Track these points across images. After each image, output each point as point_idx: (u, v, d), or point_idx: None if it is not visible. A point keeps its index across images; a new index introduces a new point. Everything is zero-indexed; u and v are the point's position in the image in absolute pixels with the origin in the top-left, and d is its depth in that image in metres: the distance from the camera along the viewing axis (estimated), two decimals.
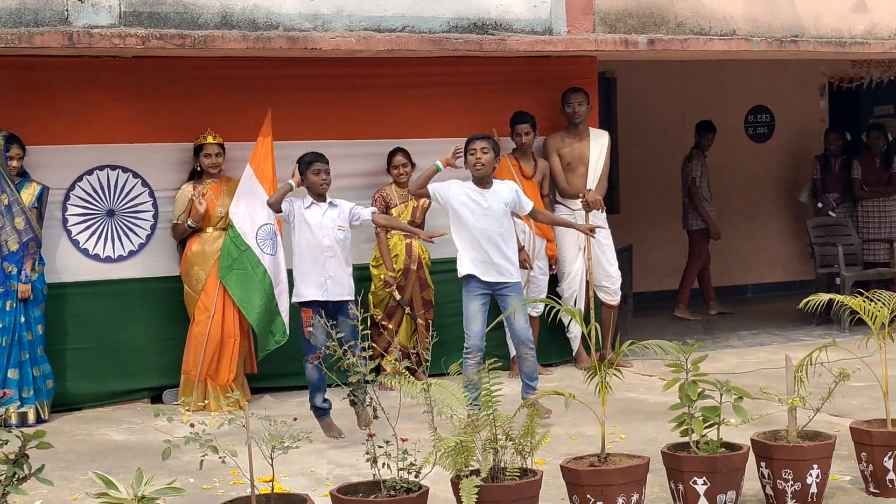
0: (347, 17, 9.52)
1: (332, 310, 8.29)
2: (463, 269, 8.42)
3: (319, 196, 8.47)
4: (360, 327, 6.05)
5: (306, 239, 8.40)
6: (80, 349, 9.57)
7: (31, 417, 9.02)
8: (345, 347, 6.03)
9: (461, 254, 8.44)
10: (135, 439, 8.57)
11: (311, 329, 8.12)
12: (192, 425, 5.66)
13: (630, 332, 10.87)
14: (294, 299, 8.56)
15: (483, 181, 8.44)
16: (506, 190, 8.53)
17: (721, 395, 6.13)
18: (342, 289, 8.38)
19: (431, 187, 8.44)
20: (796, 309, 7.71)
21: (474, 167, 8.39)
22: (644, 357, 9.78)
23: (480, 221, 8.36)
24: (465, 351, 8.30)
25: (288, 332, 9.47)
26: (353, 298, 8.28)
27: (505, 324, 8.75)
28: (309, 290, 8.35)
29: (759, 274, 15.27)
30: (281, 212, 8.43)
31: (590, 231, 9.01)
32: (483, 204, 8.38)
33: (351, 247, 8.61)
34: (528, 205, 8.72)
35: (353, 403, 8.17)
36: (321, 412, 8.40)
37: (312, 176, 8.43)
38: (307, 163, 8.49)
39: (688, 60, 12.74)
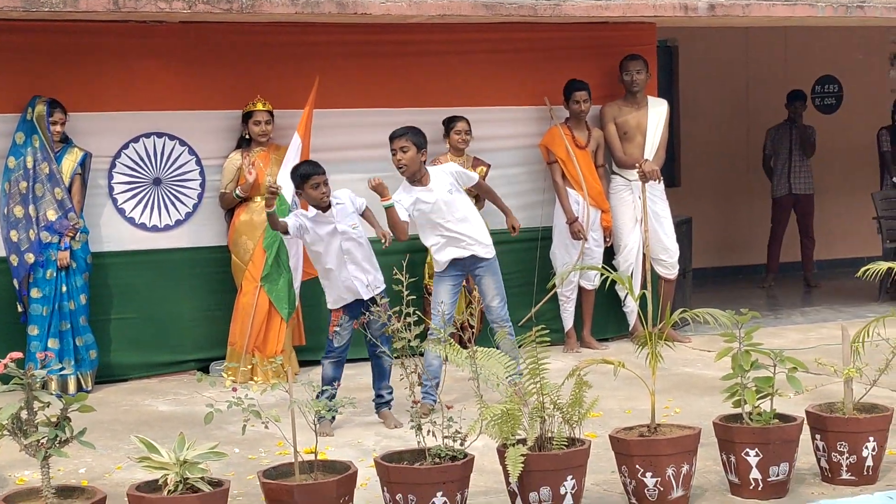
0: None
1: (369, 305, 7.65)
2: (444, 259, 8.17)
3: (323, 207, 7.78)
4: (406, 293, 5.88)
5: (324, 251, 7.74)
6: (125, 319, 9.48)
7: (72, 388, 8.89)
8: (383, 321, 5.95)
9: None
10: (181, 410, 8.50)
11: (336, 329, 7.76)
12: (234, 389, 5.67)
13: (689, 307, 10.56)
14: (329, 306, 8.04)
15: (415, 179, 8.08)
16: (443, 176, 8.19)
17: (775, 367, 6.02)
18: (363, 287, 7.73)
19: (405, 216, 7.95)
20: (863, 284, 7.48)
21: (398, 170, 8.09)
22: (703, 332, 9.64)
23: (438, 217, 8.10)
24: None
25: (297, 305, 9.45)
26: (382, 287, 7.75)
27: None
28: (336, 298, 7.81)
29: (826, 250, 14.86)
30: (289, 233, 7.84)
31: (512, 229, 8.55)
32: (430, 200, 8.06)
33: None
34: (474, 177, 8.49)
35: (378, 409, 7.85)
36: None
37: (311, 190, 7.65)
38: (302, 176, 7.73)
39: (751, 27, 12.44)
